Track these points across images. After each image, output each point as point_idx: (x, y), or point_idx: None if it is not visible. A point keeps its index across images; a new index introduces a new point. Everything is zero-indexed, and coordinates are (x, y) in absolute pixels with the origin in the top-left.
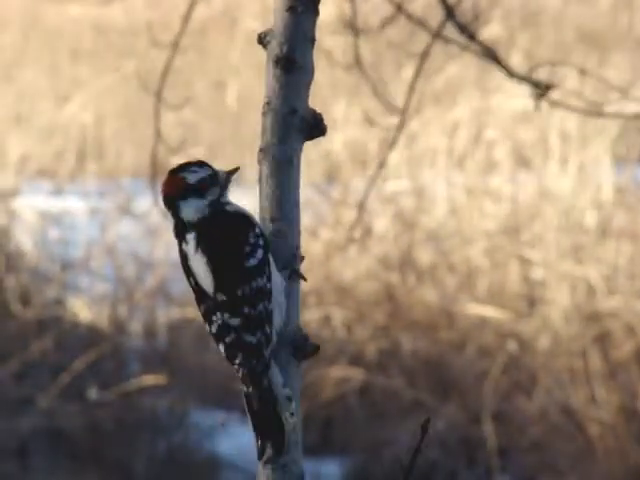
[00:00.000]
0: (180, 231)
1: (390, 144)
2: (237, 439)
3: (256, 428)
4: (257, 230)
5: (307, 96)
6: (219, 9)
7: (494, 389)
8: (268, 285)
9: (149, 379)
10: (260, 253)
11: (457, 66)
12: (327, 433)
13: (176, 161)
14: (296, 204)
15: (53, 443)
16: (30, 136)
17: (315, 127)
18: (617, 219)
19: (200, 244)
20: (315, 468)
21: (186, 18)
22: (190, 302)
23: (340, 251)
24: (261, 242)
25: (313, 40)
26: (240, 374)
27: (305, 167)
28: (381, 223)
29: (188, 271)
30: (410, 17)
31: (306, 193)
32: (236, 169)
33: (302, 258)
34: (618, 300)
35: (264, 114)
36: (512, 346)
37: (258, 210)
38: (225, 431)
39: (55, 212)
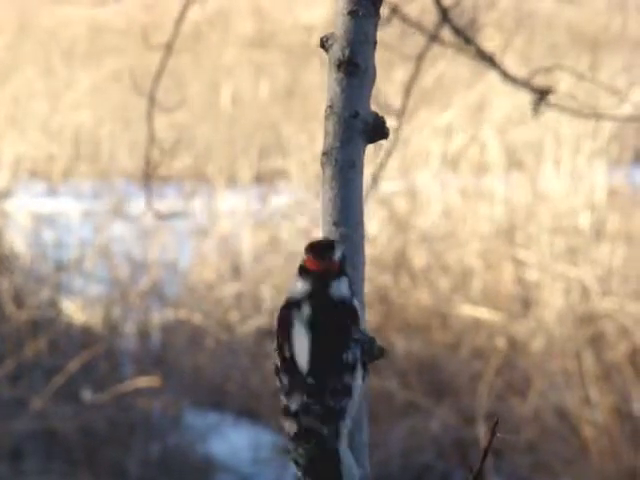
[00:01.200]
0: (302, 298)
1: (389, 150)
2: (231, 441)
3: None
4: (361, 325)
5: (369, 99)
6: (213, 11)
7: (488, 390)
8: (354, 384)
9: (143, 381)
10: (354, 356)
11: (448, 63)
12: None
13: (170, 164)
14: (360, 209)
15: (47, 445)
16: (24, 137)
17: (377, 130)
18: (611, 221)
19: (309, 321)
20: None
21: (180, 20)
22: (184, 303)
23: None
24: (357, 353)
25: (375, 43)
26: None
27: (303, 170)
28: (374, 224)
29: (284, 338)
30: (405, 19)
31: (301, 194)
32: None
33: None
34: (612, 302)
35: (326, 117)
36: (506, 347)
37: (321, 214)
38: (219, 433)
39: (48, 213)
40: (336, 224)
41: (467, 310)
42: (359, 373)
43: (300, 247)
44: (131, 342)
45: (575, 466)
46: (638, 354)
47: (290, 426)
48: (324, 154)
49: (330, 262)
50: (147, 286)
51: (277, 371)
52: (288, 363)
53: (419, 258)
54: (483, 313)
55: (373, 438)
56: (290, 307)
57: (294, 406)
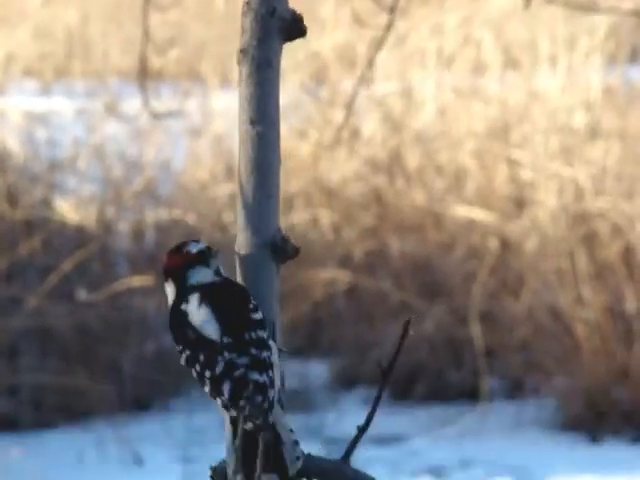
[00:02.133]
0: (182, 294)
1: (378, 43)
2: None
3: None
4: (254, 301)
5: None
6: None
7: (481, 290)
8: (270, 342)
9: (137, 280)
10: (260, 314)
11: None
12: (314, 334)
13: (164, 62)
14: (276, 107)
15: (42, 343)
16: (15, 36)
17: (294, 28)
18: (606, 120)
19: (204, 299)
20: (302, 369)
21: None
22: (178, 204)
23: (328, 153)
24: (260, 313)
25: None
26: (246, 411)
27: (293, 68)
28: (369, 125)
29: (184, 328)
30: None
31: (294, 94)
32: (217, 251)
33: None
34: (606, 201)
35: (244, 14)
36: (500, 247)
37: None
38: None
39: (42, 112)
40: (252, 122)
41: (461, 210)
42: (269, 334)
43: (293, 147)
44: (125, 242)
45: (568, 364)
46: (631, 253)
47: (225, 391)
48: (241, 51)
49: (181, 255)
50: (141, 186)
51: (188, 363)
52: (198, 344)
53: (413, 158)
54: (477, 213)
55: (368, 338)
56: (175, 307)
57: (220, 369)
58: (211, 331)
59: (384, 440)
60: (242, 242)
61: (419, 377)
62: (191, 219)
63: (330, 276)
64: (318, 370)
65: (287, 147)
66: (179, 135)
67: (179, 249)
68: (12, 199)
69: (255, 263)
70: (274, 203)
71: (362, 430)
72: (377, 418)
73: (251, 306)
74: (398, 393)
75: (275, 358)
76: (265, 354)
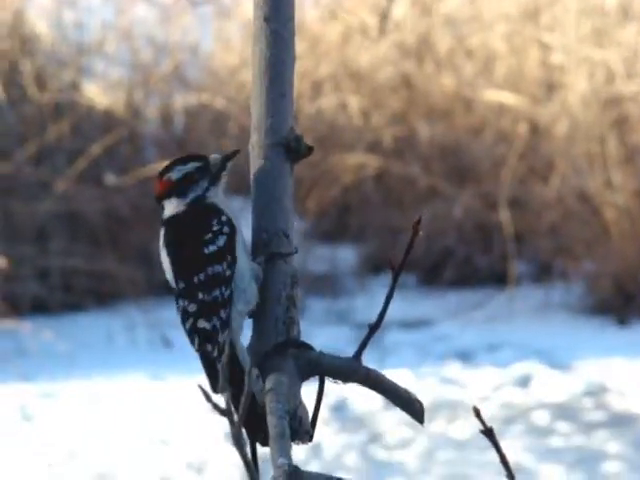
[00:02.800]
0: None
1: None
2: None
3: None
4: (223, 218)
5: None
6: None
7: (511, 175)
8: (228, 272)
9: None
10: (222, 240)
11: None
12: (343, 220)
13: None
14: (291, 4)
15: (71, 227)
16: None
17: None
18: (638, 1)
19: (165, 238)
20: (331, 254)
21: None
22: (206, 87)
23: (357, 36)
24: (226, 229)
25: None
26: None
27: None
28: (399, 9)
29: (161, 267)
30: None
31: None
32: (235, 152)
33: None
34: (637, 84)
35: None
36: (529, 132)
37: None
38: (241, 216)
39: None
40: (267, 20)
41: (491, 95)
42: (234, 256)
43: (323, 30)
44: (153, 126)
45: (596, 248)
46: None
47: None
48: None
49: (160, 183)
50: (169, 70)
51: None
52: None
53: (443, 42)
54: (507, 97)
55: (397, 223)
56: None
57: (180, 318)
58: (169, 277)
59: (412, 324)
60: (255, 141)
61: (448, 262)
62: (220, 103)
63: (359, 161)
64: (347, 255)
65: (316, 31)
66: (208, 18)
67: (162, 174)
68: (40, 83)
69: (269, 162)
70: (288, 102)
71: (373, 329)
72: (406, 303)
73: (208, 236)
74: (427, 278)
75: (239, 275)
76: (216, 293)
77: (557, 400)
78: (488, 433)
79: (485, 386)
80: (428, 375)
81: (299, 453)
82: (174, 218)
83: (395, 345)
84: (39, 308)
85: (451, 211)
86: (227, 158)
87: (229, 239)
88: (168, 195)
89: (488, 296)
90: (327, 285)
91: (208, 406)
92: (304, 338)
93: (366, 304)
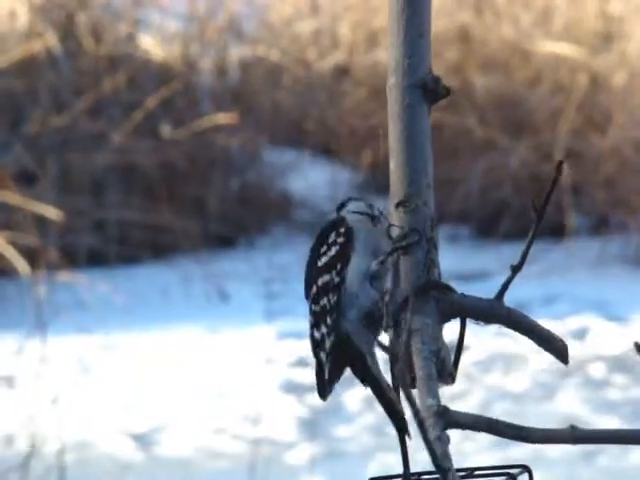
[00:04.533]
0: None
1: None
2: (309, 178)
3: None
4: (342, 229)
5: None
6: None
7: (568, 126)
8: (336, 279)
9: (221, 117)
10: (334, 250)
11: None
12: None
13: None
14: None
15: (127, 179)
16: None
17: None
18: None
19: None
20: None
21: None
22: (261, 39)
23: None
24: (340, 239)
25: None
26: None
27: None
28: None
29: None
30: None
31: None
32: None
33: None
34: None
35: None
36: (587, 83)
37: None
38: (297, 170)
39: None
40: None
41: (549, 45)
42: (346, 261)
43: None
44: (209, 79)
45: None
46: None
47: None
48: None
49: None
50: (225, 21)
51: None
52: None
53: None
54: (565, 48)
55: (453, 175)
56: None
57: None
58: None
59: (468, 277)
60: (393, 83)
61: (504, 214)
62: (274, 56)
63: None
64: None
65: None
66: None
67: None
68: (96, 35)
69: (407, 104)
70: (426, 42)
71: (516, 269)
72: (461, 255)
73: (323, 248)
74: (482, 230)
75: (350, 280)
76: (324, 301)
77: (613, 353)
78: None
79: None
80: (484, 328)
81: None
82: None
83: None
84: (95, 261)
85: (507, 163)
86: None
87: (342, 247)
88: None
89: (544, 249)
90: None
91: (264, 358)
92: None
93: None
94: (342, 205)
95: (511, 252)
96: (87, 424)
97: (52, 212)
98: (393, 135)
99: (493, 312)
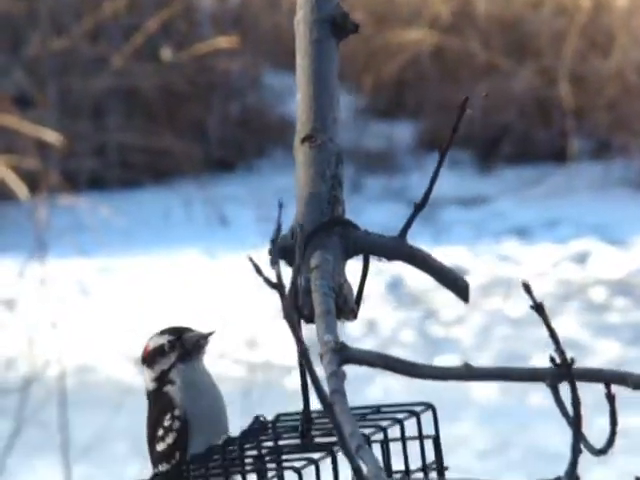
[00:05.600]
0: None
1: None
2: None
3: None
4: (176, 412)
5: None
6: None
7: (571, 49)
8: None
9: (222, 41)
10: (171, 438)
11: None
12: (400, 96)
13: None
14: None
15: (128, 103)
16: None
17: None
18: None
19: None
20: (387, 130)
21: None
22: None
23: None
24: (176, 425)
25: None
26: None
27: None
28: None
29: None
30: None
31: None
32: (210, 334)
33: None
34: None
35: None
36: (590, 4)
37: None
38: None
39: None
40: None
41: None
42: (183, 453)
43: None
44: (210, 1)
45: None
46: None
47: None
48: None
49: (145, 348)
50: None
51: None
52: None
53: None
54: None
55: (453, 99)
56: None
57: None
58: None
59: (469, 202)
60: (301, 18)
61: (506, 138)
62: None
63: (416, 37)
64: (403, 132)
65: None
66: None
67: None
68: None
69: (314, 40)
70: None
71: (418, 207)
72: (462, 180)
73: (160, 433)
74: (484, 155)
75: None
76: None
77: (614, 276)
78: (538, 308)
79: (542, 263)
80: (485, 252)
81: (355, 330)
82: (148, 396)
83: (451, 223)
84: (96, 184)
85: (510, 86)
86: (203, 337)
87: (178, 437)
88: (144, 362)
89: (546, 172)
90: (383, 162)
91: (261, 283)
92: (361, 215)
93: (422, 181)
94: (164, 352)
95: (513, 176)
96: (88, 348)
97: (52, 136)
98: (300, 70)
99: (396, 249)
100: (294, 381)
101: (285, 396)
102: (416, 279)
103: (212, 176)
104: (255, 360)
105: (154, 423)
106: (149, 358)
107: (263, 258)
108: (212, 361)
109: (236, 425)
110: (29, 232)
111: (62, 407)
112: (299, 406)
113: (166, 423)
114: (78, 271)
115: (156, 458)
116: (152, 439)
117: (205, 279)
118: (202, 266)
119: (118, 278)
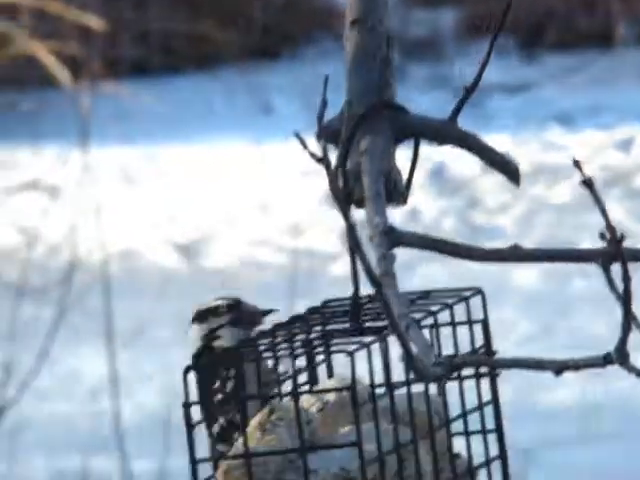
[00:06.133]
0: None
1: None
2: None
3: None
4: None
5: None
6: None
7: None
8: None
9: None
10: (228, 388)
11: None
12: None
13: None
14: None
15: None
16: None
17: None
18: None
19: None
20: (431, 17)
21: None
22: None
23: None
24: (231, 374)
25: None
26: None
27: None
28: None
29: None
30: None
31: None
32: (269, 311)
33: None
34: None
35: None
36: None
37: None
38: None
39: None
40: None
41: None
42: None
43: None
44: None
45: None
46: None
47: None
48: None
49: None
50: None
51: None
52: None
53: None
54: None
55: None
56: None
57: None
58: None
59: (513, 89)
60: None
61: (549, 24)
62: None
63: None
64: (447, 19)
65: None
66: None
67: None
68: None
69: None
70: None
71: (469, 91)
72: (506, 67)
73: (217, 385)
74: (529, 41)
75: None
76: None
77: None
78: (587, 184)
79: (586, 150)
80: (529, 140)
81: (397, 217)
82: (194, 360)
83: (495, 110)
84: (139, 71)
85: None
86: (260, 312)
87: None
88: (195, 320)
89: (591, 59)
90: (427, 50)
91: (306, 170)
92: (404, 104)
93: (467, 68)
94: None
95: (557, 63)
96: (131, 234)
97: (96, 22)
98: None
99: (448, 132)
100: (337, 268)
101: (328, 283)
102: (459, 167)
103: (256, 64)
104: (298, 247)
105: (208, 379)
106: (200, 315)
107: (310, 146)
108: (255, 249)
109: (282, 312)
110: (72, 119)
111: (106, 294)
112: (343, 293)
113: (221, 375)
114: (121, 158)
115: (216, 409)
116: (210, 395)
117: (248, 167)
118: (245, 154)
119: (161, 165)
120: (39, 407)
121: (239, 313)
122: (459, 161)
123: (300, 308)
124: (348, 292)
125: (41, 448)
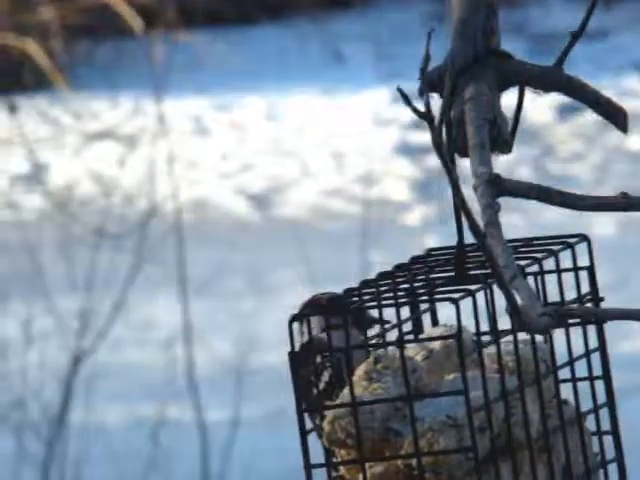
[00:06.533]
0: None
1: None
2: None
3: None
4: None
5: None
6: None
7: None
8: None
9: None
10: (326, 376)
11: None
12: None
13: None
14: None
15: None
16: None
17: None
18: None
19: None
20: None
21: None
22: None
23: None
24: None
25: None
26: None
27: None
28: None
29: None
30: None
31: None
32: (390, 325)
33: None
34: None
35: None
36: None
37: None
38: None
39: None
40: None
41: None
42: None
43: None
44: None
45: None
46: None
47: None
48: None
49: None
50: None
51: None
52: None
53: None
54: None
55: None
56: None
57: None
58: None
59: (588, 36)
60: None
61: None
62: None
63: None
64: None
65: None
66: None
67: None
68: None
69: None
70: None
71: (576, 36)
72: (581, 13)
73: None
74: None
75: None
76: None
77: None
78: None
79: None
80: (605, 87)
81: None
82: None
83: (570, 58)
84: (212, 21)
85: None
86: (381, 322)
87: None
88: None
89: None
90: None
91: (379, 120)
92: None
93: (542, 15)
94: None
95: (634, 10)
96: (204, 184)
97: None
98: None
99: (552, 79)
100: (410, 218)
101: (402, 233)
102: (533, 114)
103: (327, 13)
104: (371, 197)
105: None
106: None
107: (382, 95)
108: (328, 199)
109: (354, 262)
110: (147, 69)
111: (179, 243)
112: (415, 243)
113: (320, 365)
114: (195, 108)
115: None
116: (308, 383)
117: (320, 117)
118: (318, 103)
119: (234, 115)
120: (114, 356)
121: (359, 317)
122: (534, 109)
123: (372, 258)
124: (420, 242)
125: (116, 397)
